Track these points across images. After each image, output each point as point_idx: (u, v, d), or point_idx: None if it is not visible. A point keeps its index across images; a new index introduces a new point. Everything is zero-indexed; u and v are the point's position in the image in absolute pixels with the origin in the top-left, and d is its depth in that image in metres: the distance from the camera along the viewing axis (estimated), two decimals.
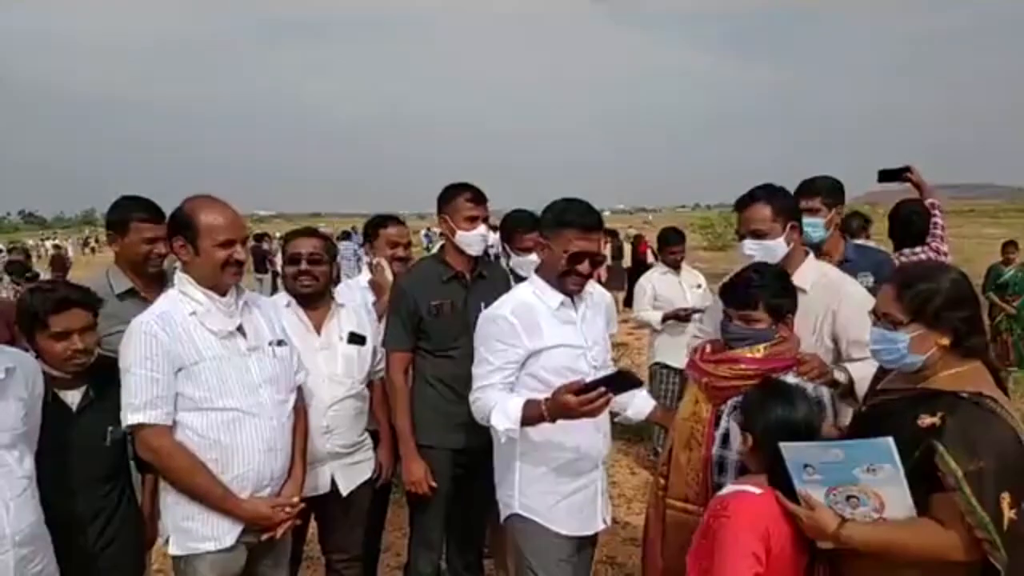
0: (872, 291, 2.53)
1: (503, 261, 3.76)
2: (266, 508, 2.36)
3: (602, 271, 14.12)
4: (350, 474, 2.96)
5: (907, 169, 3.88)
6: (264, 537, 2.39)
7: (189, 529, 2.32)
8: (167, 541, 2.36)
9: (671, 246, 5.65)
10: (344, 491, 2.93)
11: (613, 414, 2.74)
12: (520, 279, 3.05)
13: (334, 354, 2.94)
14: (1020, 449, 1.74)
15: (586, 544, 2.68)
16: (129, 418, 2.24)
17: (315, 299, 2.96)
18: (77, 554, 2.30)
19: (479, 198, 3.04)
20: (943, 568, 1.76)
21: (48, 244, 41.51)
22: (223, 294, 2.35)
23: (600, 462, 2.63)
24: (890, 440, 1.73)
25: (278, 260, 15.24)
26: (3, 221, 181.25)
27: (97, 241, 48.88)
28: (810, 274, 2.59)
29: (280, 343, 2.50)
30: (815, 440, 1.95)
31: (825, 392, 2.29)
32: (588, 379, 2.27)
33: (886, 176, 3.86)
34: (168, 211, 2.47)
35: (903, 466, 1.75)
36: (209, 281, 2.33)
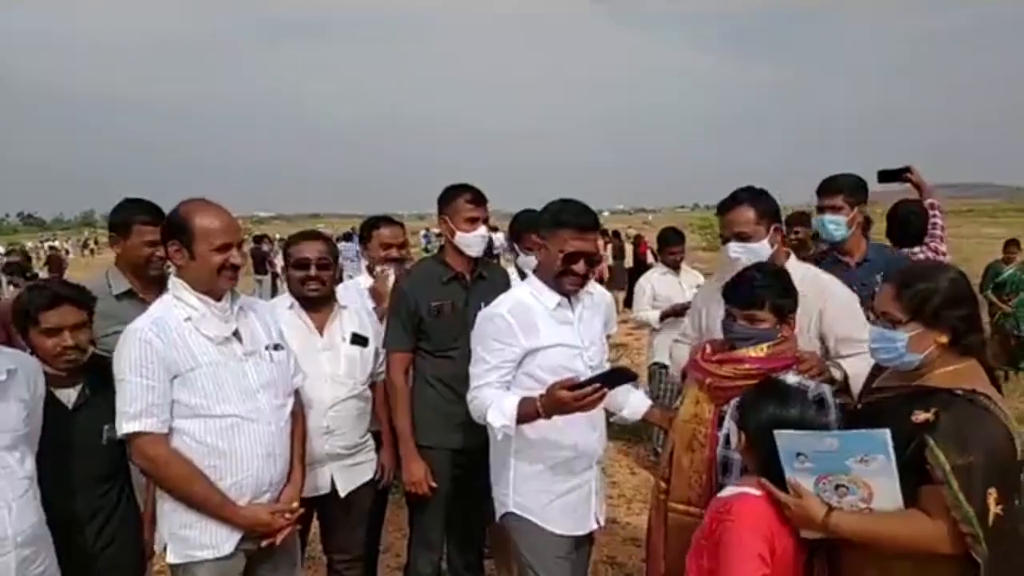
0: None
1: (502, 259, 3.76)
2: (265, 514, 2.34)
3: (605, 271, 14.17)
4: (350, 475, 2.96)
5: (907, 169, 3.88)
6: (264, 544, 2.37)
7: (187, 537, 2.29)
8: (164, 548, 2.34)
9: (671, 246, 5.66)
10: (343, 492, 2.92)
11: (609, 414, 2.75)
12: None
13: (337, 355, 2.94)
14: (1011, 446, 1.76)
15: (584, 542, 2.68)
16: (124, 427, 2.21)
17: (320, 301, 2.96)
18: (76, 554, 2.29)
19: (479, 199, 3.05)
20: (934, 561, 1.78)
21: (47, 246, 41.46)
22: (218, 299, 2.32)
23: (595, 462, 2.63)
24: (887, 432, 1.76)
25: (278, 262, 15.22)
26: (2, 223, 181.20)
27: (96, 243, 48.86)
28: (795, 275, 2.62)
29: (277, 347, 2.47)
30: None
31: (827, 389, 2.30)
32: (582, 378, 2.28)
33: (886, 176, 3.87)
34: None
35: (897, 461, 1.76)
36: (204, 286, 2.30)
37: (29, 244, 37.57)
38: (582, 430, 2.50)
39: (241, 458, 2.29)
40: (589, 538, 2.72)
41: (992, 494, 1.71)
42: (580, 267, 2.47)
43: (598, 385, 2.19)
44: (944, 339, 1.86)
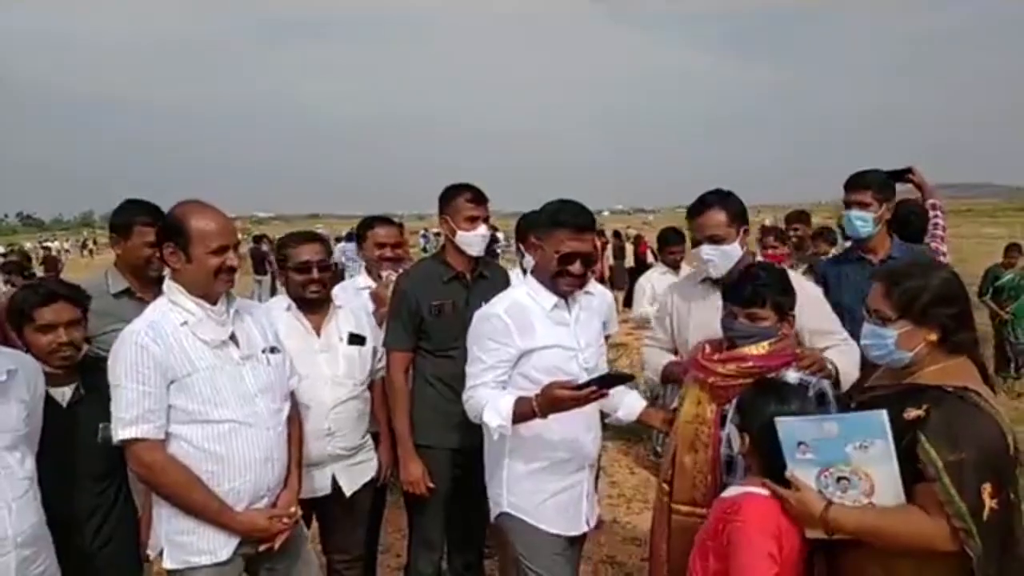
0: None
1: (500, 255, 3.75)
2: (263, 519, 2.32)
3: (606, 270, 14.19)
4: (353, 474, 2.95)
5: (909, 170, 3.87)
6: (262, 548, 2.35)
7: (184, 543, 2.26)
8: (160, 554, 2.31)
9: (671, 246, 5.68)
10: (348, 491, 2.92)
11: (605, 415, 2.74)
12: None
13: (335, 356, 2.93)
14: (1003, 442, 1.78)
15: (576, 540, 2.68)
16: (120, 433, 2.17)
17: (318, 303, 2.95)
18: (74, 553, 2.28)
19: (479, 198, 3.05)
20: (934, 558, 1.78)
21: (42, 247, 41.37)
22: (214, 302, 2.28)
23: (588, 464, 2.63)
24: (884, 413, 1.77)
25: None
26: (1, 223, 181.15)
27: (95, 243, 48.79)
28: None
29: (273, 350, 2.45)
30: None
31: (827, 385, 2.31)
32: (579, 381, 2.27)
33: (888, 177, 3.86)
34: None
35: None
36: (201, 289, 2.25)
37: (28, 245, 37.52)
38: (577, 431, 2.49)
39: (239, 463, 2.27)
40: (580, 541, 2.72)
41: (987, 489, 1.72)
42: (576, 268, 2.45)
43: (594, 388, 2.19)
44: (934, 337, 1.88)
